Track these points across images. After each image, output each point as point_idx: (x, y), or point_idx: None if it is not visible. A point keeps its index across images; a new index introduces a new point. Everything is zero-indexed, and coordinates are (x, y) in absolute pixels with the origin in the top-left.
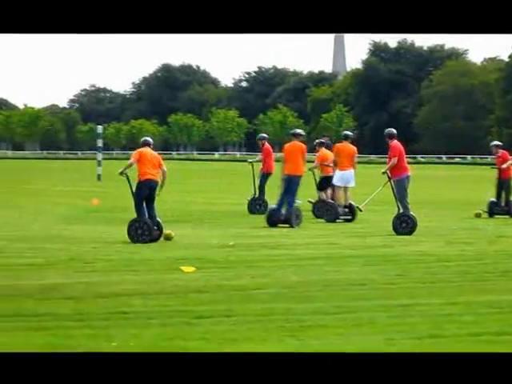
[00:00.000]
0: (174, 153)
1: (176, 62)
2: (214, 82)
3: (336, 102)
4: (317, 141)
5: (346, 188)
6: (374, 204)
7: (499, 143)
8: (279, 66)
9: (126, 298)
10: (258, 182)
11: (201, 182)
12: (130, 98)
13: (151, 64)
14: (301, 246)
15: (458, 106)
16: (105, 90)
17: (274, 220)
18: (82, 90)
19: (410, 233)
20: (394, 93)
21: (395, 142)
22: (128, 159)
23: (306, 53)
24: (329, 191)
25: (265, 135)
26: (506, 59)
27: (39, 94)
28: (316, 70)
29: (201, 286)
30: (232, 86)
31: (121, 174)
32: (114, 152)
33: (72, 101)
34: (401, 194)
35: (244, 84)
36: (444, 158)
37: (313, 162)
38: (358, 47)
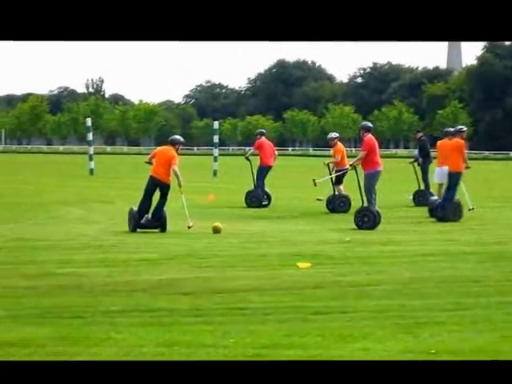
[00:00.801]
0: (289, 149)
1: (291, 58)
2: (330, 78)
3: (451, 98)
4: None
5: (441, 185)
6: (492, 200)
7: None
8: (394, 62)
9: (243, 293)
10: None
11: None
12: (246, 94)
13: (266, 60)
14: (415, 242)
15: None
16: (220, 86)
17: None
18: (197, 86)
19: (371, 228)
20: (509, 89)
21: (369, 137)
22: (243, 155)
23: (420, 49)
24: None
25: (263, 131)
26: None
27: (154, 90)
28: (431, 67)
29: (317, 282)
30: (347, 81)
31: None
32: (229, 148)
33: (187, 96)
34: (368, 187)
35: (359, 80)
36: None
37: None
38: (473, 43)
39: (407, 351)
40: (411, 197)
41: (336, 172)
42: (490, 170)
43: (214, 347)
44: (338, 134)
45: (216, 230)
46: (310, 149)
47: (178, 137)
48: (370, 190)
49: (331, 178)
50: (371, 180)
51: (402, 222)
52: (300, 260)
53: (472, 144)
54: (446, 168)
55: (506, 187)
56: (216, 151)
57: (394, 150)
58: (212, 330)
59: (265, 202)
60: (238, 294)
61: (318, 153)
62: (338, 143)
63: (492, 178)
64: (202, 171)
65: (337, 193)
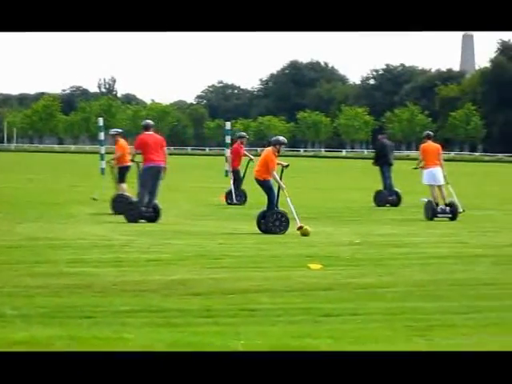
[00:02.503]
0: (301, 150)
1: (304, 59)
2: (343, 80)
3: (464, 101)
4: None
5: (439, 186)
6: (505, 203)
7: None
8: (407, 64)
9: (254, 294)
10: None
11: (330, 178)
12: (258, 95)
13: (279, 61)
14: (428, 244)
15: None
16: (232, 87)
17: None
18: (209, 86)
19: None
20: None
21: (141, 136)
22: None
23: (433, 51)
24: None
25: (243, 134)
26: None
27: (166, 90)
28: (444, 68)
29: (328, 284)
30: (360, 83)
31: None
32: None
33: (199, 97)
34: (141, 182)
35: (372, 82)
36: None
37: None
38: (486, 46)
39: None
40: (425, 199)
41: (119, 170)
42: (503, 172)
43: (224, 348)
44: (120, 130)
45: (304, 233)
46: (323, 150)
47: (280, 137)
48: (142, 185)
49: (115, 177)
50: (144, 175)
51: (413, 224)
52: (312, 261)
53: (485, 146)
54: (434, 169)
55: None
56: (228, 152)
57: (406, 152)
58: (222, 331)
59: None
60: (249, 295)
61: (330, 154)
62: (121, 140)
63: (505, 180)
64: (213, 172)
65: (120, 192)
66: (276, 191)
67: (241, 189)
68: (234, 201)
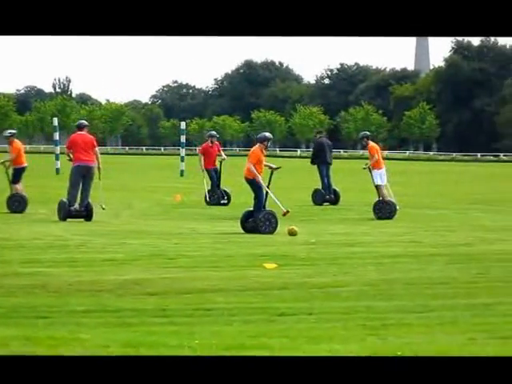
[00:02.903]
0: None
1: (258, 58)
2: (297, 79)
3: (419, 100)
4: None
5: (385, 186)
6: (459, 202)
7: None
8: (361, 63)
9: (209, 294)
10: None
11: (285, 177)
12: (213, 94)
13: (234, 60)
14: (382, 243)
15: None
16: (187, 86)
17: None
18: (164, 86)
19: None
20: (476, 91)
21: (72, 136)
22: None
23: (387, 50)
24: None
25: (213, 133)
26: None
27: (121, 90)
28: (398, 68)
29: (283, 283)
30: (314, 82)
31: None
32: (197, 148)
33: (154, 96)
34: (70, 181)
35: (326, 81)
36: None
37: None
38: (440, 45)
39: (373, 353)
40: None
41: (14, 171)
42: (458, 171)
43: (179, 348)
44: (14, 132)
45: (292, 233)
46: (277, 149)
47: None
48: (71, 183)
49: (9, 178)
50: (73, 174)
51: (367, 223)
52: (267, 261)
53: (440, 145)
54: (384, 170)
55: (472, 189)
56: (183, 151)
57: (361, 152)
58: (177, 331)
59: (223, 201)
60: (204, 294)
61: (285, 153)
62: (16, 141)
63: (459, 179)
64: (168, 171)
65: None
66: (264, 191)
67: (220, 189)
68: (208, 200)
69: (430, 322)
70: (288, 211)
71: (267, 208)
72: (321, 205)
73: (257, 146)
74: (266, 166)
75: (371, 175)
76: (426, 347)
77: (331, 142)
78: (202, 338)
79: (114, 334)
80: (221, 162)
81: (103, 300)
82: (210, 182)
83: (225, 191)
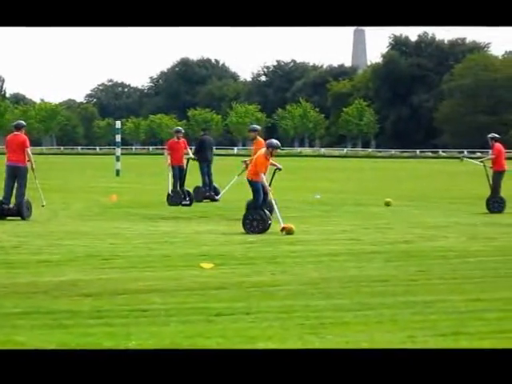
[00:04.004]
0: (192, 148)
1: (194, 56)
2: (234, 77)
3: (356, 96)
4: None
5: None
6: (398, 199)
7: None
8: (298, 60)
9: (145, 295)
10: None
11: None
12: (148, 93)
13: (169, 58)
14: (321, 241)
15: (480, 100)
16: (122, 85)
17: None
18: (99, 85)
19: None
20: (414, 87)
21: (8, 136)
22: (148, 154)
23: (324, 46)
24: None
25: (179, 128)
26: None
27: (56, 89)
28: (335, 64)
29: (220, 283)
30: (251, 80)
31: None
32: (133, 147)
33: (89, 95)
34: (4, 181)
35: (263, 78)
36: (465, 152)
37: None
38: (378, 41)
39: None
40: (318, 196)
41: None
42: (397, 168)
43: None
44: None
45: (289, 232)
46: (214, 148)
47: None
48: (4, 183)
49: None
50: (5, 174)
51: (306, 221)
52: (204, 261)
53: (378, 142)
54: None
55: (411, 186)
56: (118, 151)
57: (298, 149)
58: (113, 332)
59: (185, 202)
60: (141, 295)
61: (222, 152)
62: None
63: (398, 176)
64: (104, 171)
65: None
66: (263, 194)
67: (184, 188)
68: (169, 200)
69: (368, 320)
70: (285, 228)
71: (265, 210)
72: (201, 201)
73: (263, 150)
74: (271, 164)
75: None
76: (364, 346)
77: (214, 141)
78: (139, 338)
79: (50, 336)
80: (188, 161)
81: (39, 302)
82: (173, 181)
83: (188, 192)
